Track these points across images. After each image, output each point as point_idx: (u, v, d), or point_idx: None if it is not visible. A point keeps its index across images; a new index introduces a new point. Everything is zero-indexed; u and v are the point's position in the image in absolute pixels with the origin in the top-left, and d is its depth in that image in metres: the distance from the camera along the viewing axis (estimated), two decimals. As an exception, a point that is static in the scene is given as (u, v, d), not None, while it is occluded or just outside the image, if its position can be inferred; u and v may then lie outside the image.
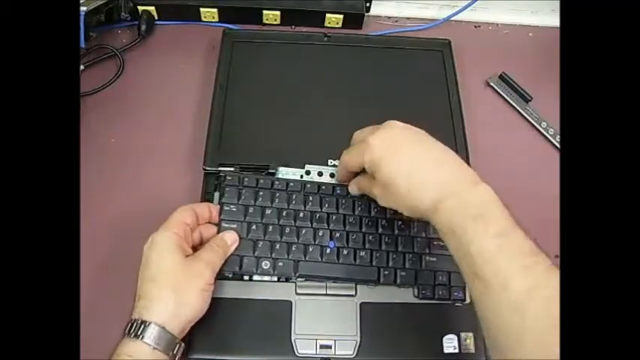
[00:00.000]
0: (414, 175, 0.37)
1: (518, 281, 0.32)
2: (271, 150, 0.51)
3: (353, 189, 0.45)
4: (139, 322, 0.36)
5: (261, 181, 0.47)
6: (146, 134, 0.54)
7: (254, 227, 0.45)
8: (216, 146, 0.50)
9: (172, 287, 0.38)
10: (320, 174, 0.49)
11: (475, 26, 0.66)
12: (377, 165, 0.38)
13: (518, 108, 0.59)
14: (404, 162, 0.38)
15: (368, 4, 0.63)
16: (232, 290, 0.44)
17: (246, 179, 0.47)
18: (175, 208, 0.49)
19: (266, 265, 0.44)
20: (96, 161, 0.52)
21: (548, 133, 0.57)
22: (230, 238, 0.44)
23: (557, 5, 0.64)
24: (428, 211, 0.37)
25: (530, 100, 0.59)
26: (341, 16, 0.62)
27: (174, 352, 0.37)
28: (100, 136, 0.54)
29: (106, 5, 0.57)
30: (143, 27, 0.60)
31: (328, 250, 0.45)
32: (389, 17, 0.66)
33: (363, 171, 0.42)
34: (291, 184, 0.47)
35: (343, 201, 0.46)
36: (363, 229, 0.46)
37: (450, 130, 0.53)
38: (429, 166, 0.37)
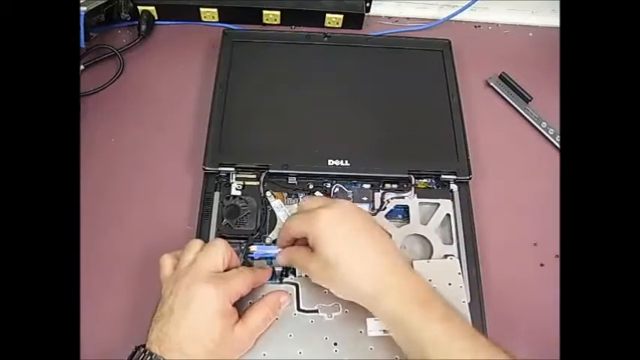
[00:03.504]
0: (356, 260, 0.37)
1: None
2: (271, 150, 0.51)
3: (282, 259, 0.42)
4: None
5: None
6: (146, 134, 0.54)
7: None
8: (216, 146, 0.50)
9: (215, 354, 0.36)
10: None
11: (475, 26, 0.66)
12: (321, 239, 0.37)
13: (518, 108, 0.59)
14: (349, 245, 0.37)
15: (368, 4, 0.63)
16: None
17: None
18: (175, 208, 0.50)
19: None
20: (96, 161, 0.52)
21: (548, 133, 0.57)
22: (285, 302, 0.41)
23: (557, 5, 0.64)
24: (368, 298, 0.37)
25: (530, 100, 0.59)
26: (341, 16, 0.62)
27: None
28: (100, 136, 0.54)
29: (106, 5, 0.57)
30: (143, 27, 0.60)
31: None
32: (389, 17, 0.66)
33: (302, 242, 0.41)
34: None
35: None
36: None
37: (450, 130, 0.53)
38: (371, 254, 0.37)
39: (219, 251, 0.39)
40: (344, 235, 0.37)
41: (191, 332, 0.35)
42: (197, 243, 0.41)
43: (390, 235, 0.45)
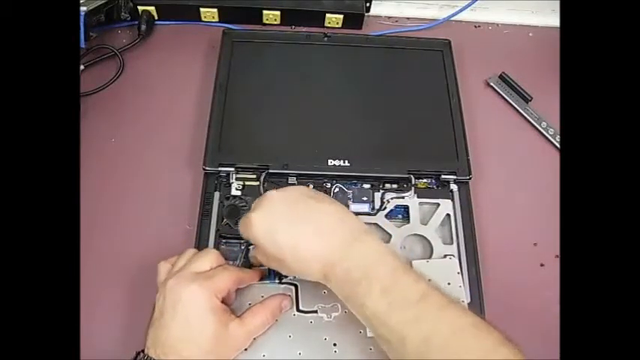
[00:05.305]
0: (297, 249, 0.37)
1: (413, 334, 0.33)
2: (271, 150, 0.51)
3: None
4: None
5: None
6: (146, 134, 0.54)
7: None
8: (216, 146, 0.50)
9: (211, 353, 0.36)
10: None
11: (475, 26, 0.66)
12: (259, 243, 0.38)
13: (518, 108, 0.59)
14: (285, 238, 0.37)
15: (368, 4, 0.63)
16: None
17: None
18: (175, 208, 0.50)
19: None
20: (96, 161, 0.52)
21: (548, 133, 0.57)
22: (286, 307, 0.41)
23: (557, 5, 0.64)
24: (320, 280, 0.38)
25: (530, 100, 0.59)
26: (341, 16, 0.62)
27: None
28: (100, 136, 0.54)
29: (106, 5, 0.57)
30: (143, 27, 0.60)
31: None
32: (389, 17, 0.66)
33: None
34: None
35: None
36: None
37: (450, 130, 0.53)
38: (309, 238, 0.37)
39: (209, 257, 0.39)
40: (277, 233, 0.37)
41: (182, 333, 0.35)
42: (191, 251, 0.41)
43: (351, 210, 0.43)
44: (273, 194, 0.39)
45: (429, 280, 0.40)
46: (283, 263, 0.38)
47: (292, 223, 0.37)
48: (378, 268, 0.35)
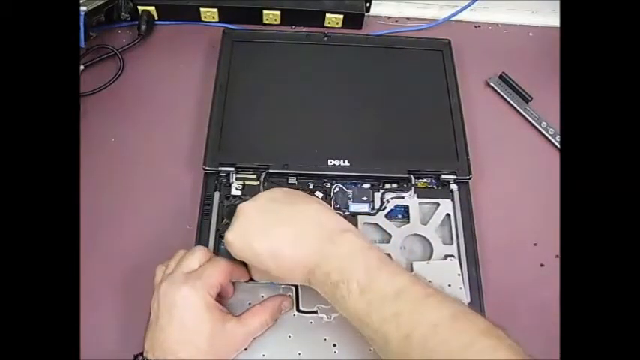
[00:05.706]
0: (276, 257, 0.36)
1: (394, 333, 0.33)
2: (271, 150, 0.51)
3: None
4: None
5: None
6: (146, 134, 0.54)
7: None
8: (216, 146, 0.50)
9: (209, 353, 0.36)
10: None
11: (475, 26, 0.66)
12: (243, 258, 0.38)
13: (518, 108, 0.59)
14: (262, 247, 0.37)
15: (368, 4, 0.63)
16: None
17: None
18: (175, 209, 0.50)
19: None
20: (96, 161, 0.52)
21: (548, 133, 0.57)
22: (287, 307, 0.42)
23: (557, 5, 0.64)
24: (304, 282, 0.38)
25: (530, 100, 0.59)
26: (341, 16, 0.62)
27: None
28: (100, 136, 0.54)
29: (106, 5, 0.57)
30: (143, 27, 0.60)
31: None
32: (389, 17, 0.66)
33: None
34: None
35: None
36: None
37: (450, 130, 0.53)
38: (286, 244, 0.37)
39: (196, 254, 0.39)
40: (256, 245, 0.37)
41: (179, 335, 0.35)
42: (181, 252, 0.41)
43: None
44: (242, 207, 0.38)
45: (429, 281, 0.40)
46: (270, 273, 0.38)
47: (265, 231, 0.37)
48: (354, 267, 0.35)
